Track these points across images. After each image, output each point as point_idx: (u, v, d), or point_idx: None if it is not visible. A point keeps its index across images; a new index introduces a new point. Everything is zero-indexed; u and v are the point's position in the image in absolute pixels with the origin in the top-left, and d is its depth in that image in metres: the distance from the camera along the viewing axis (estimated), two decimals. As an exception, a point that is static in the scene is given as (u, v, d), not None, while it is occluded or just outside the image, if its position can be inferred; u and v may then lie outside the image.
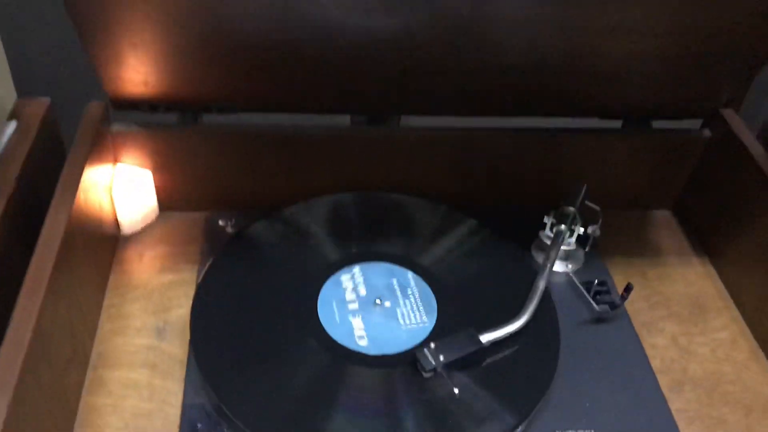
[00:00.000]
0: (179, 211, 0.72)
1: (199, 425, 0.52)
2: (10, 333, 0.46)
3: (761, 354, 0.64)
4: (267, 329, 0.58)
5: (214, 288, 0.60)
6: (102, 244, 0.65)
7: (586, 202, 0.69)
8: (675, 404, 0.59)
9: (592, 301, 0.63)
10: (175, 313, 0.63)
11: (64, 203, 0.55)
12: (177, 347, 0.60)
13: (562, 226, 0.66)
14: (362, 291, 0.61)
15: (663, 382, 0.60)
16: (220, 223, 0.68)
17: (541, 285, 0.61)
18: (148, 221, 0.71)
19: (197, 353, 0.56)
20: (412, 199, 0.70)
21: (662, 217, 0.78)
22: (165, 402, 0.56)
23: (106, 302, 0.63)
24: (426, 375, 0.54)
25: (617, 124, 0.74)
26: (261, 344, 0.57)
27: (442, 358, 0.54)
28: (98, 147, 0.63)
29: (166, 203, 0.71)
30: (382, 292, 0.62)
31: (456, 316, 0.60)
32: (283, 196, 0.69)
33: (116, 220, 0.68)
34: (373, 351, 0.57)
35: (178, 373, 0.58)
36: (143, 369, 0.58)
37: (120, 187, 0.67)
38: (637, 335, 0.63)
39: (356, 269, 0.63)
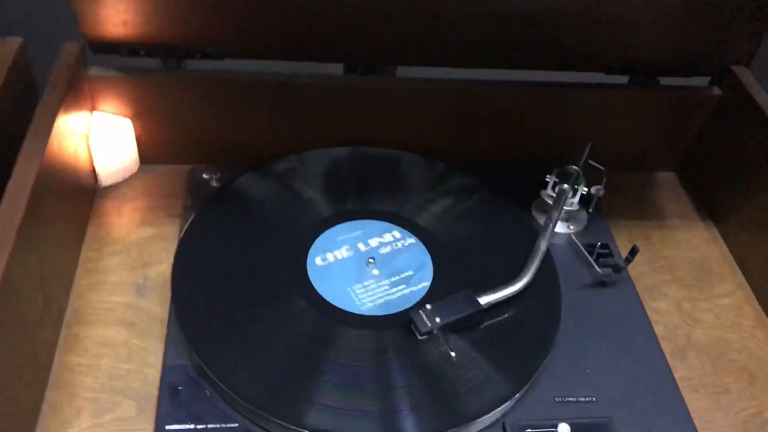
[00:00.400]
0: (161, 164, 0.68)
1: (180, 387, 0.49)
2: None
3: (767, 321, 0.62)
4: (253, 287, 0.55)
5: (197, 243, 0.57)
6: (78, 196, 0.61)
7: (590, 162, 0.65)
8: (678, 372, 0.56)
9: (594, 264, 0.60)
10: (155, 269, 0.59)
11: (35, 150, 0.51)
12: (157, 305, 0.57)
13: (565, 186, 0.63)
14: (354, 250, 0.58)
15: (666, 348, 0.57)
16: (205, 176, 0.65)
17: (543, 246, 0.58)
18: (128, 173, 0.67)
19: (178, 311, 0.52)
20: (408, 155, 0.67)
21: (667, 178, 0.75)
22: (144, 362, 0.53)
23: (82, 256, 0.60)
24: (421, 338, 0.51)
25: (623, 80, 0.71)
26: (246, 303, 0.54)
27: (438, 320, 0.51)
28: (74, 92, 0.59)
29: (147, 155, 0.67)
30: (375, 251, 0.58)
31: (453, 277, 0.57)
32: (271, 150, 0.66)
33: (94, 170, 0.64)
34: (365, 312, 0.54)
35: (158, 332, 0.55)
36: (121, 327, 0.55)
37: (97, 136, 0.63)
38: (640, 300, 0.60)
39: (348, 227, 0.60)
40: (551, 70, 0.68)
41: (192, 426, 0.47)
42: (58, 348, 0.53)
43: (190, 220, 0.59)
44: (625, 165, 0.73)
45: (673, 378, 0.54)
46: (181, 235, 0.58)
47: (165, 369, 0.51)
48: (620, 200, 0.70)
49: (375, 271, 0.57)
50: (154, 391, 0.50)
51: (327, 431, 0.46)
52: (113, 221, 0.63)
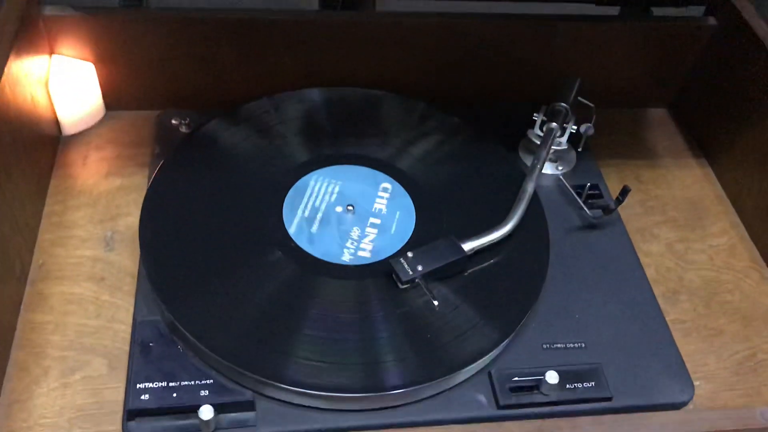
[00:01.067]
0: (128, 110, 0.64)
1: (151, 344, 0.47)
2: None
3: (762, 262, 0.60)
4: (227, 238, 0.52)
5: (166, 193, 0.54)
6: (39, 146, 0.58)
7: (579, 99, 0.62)
8: (670, 315, 0.55)
9: (583, 206, 0.58)
10: (123, 222, 0.56)
11: (-16, 95, 0.47)
12: (126, 259, 0.54)
13: (554, 124, 0.60)
14: (332, 197, 0.55)
15: (658, 291, 0.55)
16: (173, 122, 0.61)
17: (530, 188, 0.55)
18: (93, 121, 0.63)
19: (148, 265, 0.50)
20: (387, 95, 0.63)
21: (658, 115, 0.72)
22: (114, 319, 0.51)
23: (46, 210, 0.57)
24: (402, 286, 0.49)
25: (615, 11, 0.67)
26: (220, 254, 0.51)
27: (420, 267, 0.49)
28: (28, 34, 0.55)
29: (112, 101, 0.64)
30: (354, 197, 0.56)
31: (436, 223, 0.55)
32: (242, 92, 0.62)
33: (56, 118, 0.60)
34: (344, 261, 0.51)
35: (129, 286, 0.52)
36: (89, 283, 0.52)
37: (57, 82, 0.59)
38: (631, 242, 0.58)
39: (325, 173, 0.57)
40: (538, 1, 0.65)
41: (164, 384, 0.45)
42: (23, 306, 0.51)
43: (158, 169, 0.56)
44: (615, 101, 0.70)
45: (664, 321, 0.53)
46: (149, 185, 0.55)
47: (135, 325, 0.48)
48: (610, 139, 0.67)
49: (354, 218, 0.54)
50: (126, 348, 0.48)
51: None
52: (78, 172, 0.60)
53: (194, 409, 0.43)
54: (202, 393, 0.45)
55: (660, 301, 0.54)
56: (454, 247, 0.50)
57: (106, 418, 0.45)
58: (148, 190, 0.54)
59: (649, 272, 0.57)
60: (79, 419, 0.45)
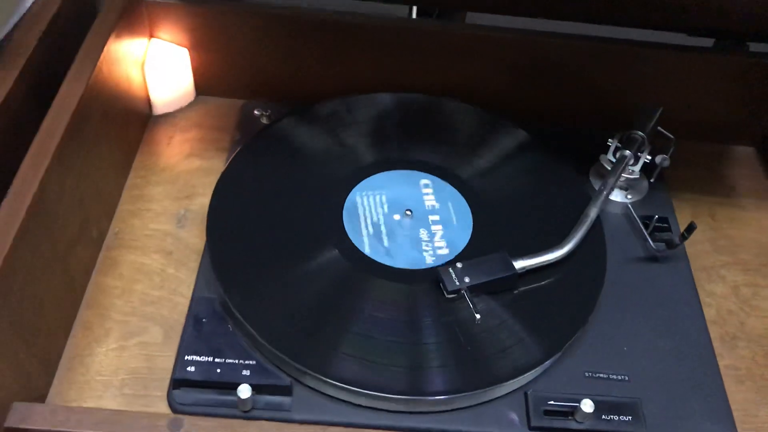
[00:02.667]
0: (216, 97, 0.68)
1: (204, 319, 0.50)
2: (8, 198, 0.43)
3: (834, 317, 0.57)
4: (288, 230, 0.54)
5: (237, 180, 0.57)
6: (130, 122, 0.62)
7: (659, 128, 0.61)
8: (725, 360, 0.53)
9: (648, 237, 0.56)
10: (197, 201, 0.59)
11: (82, 71, 0.51)
12: (195, 237, 0.57)
13: (627, 152, 0.59)
14: (393, 200, 0.57)
15: (715, 333, 0.54)
16: (256, 112, 0.64)
17: (593, 213, 0.55)
18: (183, 104, 0.67)
19: (211, 244, 0.52)
20: (459, 105, 0.64)
21: (745, 153, 0.69)
22: (175, 291, 0.54)
23: (128, 182, 0.60)
24: (448, 296, 0.50)
25: (708, 42, 0.66)
26: (279, 245, 0.53)
27: (467, 279, 0.49)
28: (130, 17, 0.59)
29: (203, 87, 0.67)
30: (414, 202, 0.57)
31: (492, 237, 0.55)
32: (324, 90, 0.64)
33: (148, 98, 0.64)
34: (396, 264, 0.53)
35: (194, 263, 0.55)
36: (158, 255, 0.56)
37: (153, 64, 0.63)
38: (693, 280, 0.56)
39: (389, 176, 0.58)
40: (629, 27, 0.64)
41: (211, 359, 0.47)
42: (96, 269, 0.54)
43: (233, 156, 0.58)
44: (699, 134, 0.68)
45: (716, 365, 0.51)
46: (223, 170, 0.58)
47: (193, 299, 0.51)
48: (688, 172, 0.65)
49: (415, 221, 0.55)
50: (182, 321, 0.51)
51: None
52: (163, 150, 0.63)
53: (234, 386, 0.45)
54: (244, 372, 0.47)
55: (716, 344, 0.53)
56: (505, 264, 0.51)
57: (154, 383, 0.48)
58: (222, 174, 0.57)
59: (709, 313, 0.55)
60: (131, 381, 0.49)
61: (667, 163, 0.59)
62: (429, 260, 0.53)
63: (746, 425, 0.50)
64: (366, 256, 0.53)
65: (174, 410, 0.46)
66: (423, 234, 0.55)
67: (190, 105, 0.67)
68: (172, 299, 0.53)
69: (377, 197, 0.57)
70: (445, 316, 0.50)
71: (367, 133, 0.61)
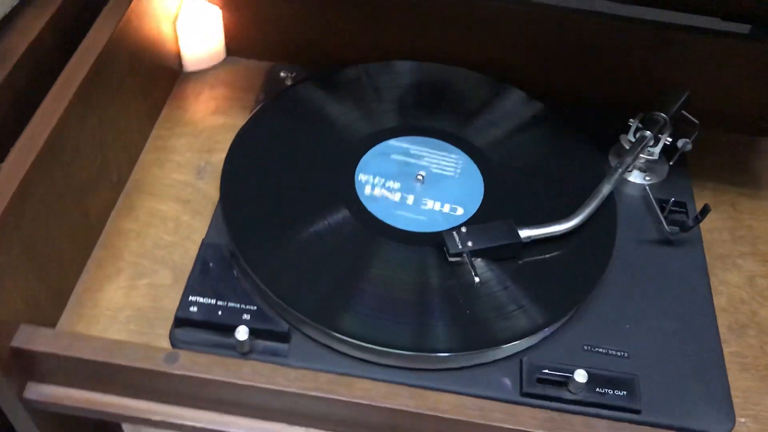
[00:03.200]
0: (245, 58, 0.69)
1: (211, 264, 0.51)
2: (28, 128, 0.45)
3: None
4: (299, 186, 0.55)
5: (255, 136, 0.58)
6: (159, 76, 0.63)
7: (684, 112, 0.60)
8: (732, 347, 0.52)
9: (662, 219, 0.56)
10: (217, 156, 0.61)
11: (110, 20, 0.53)
12: (213, 189, 0.58)
13: (647, 132, 0.58)
14: (406, 164, 0.57)
15: (724, 321, 0.53)
16: (282, 74, 0.65)
17: (605, 189, 0.54)
18: (213, 62, 0.68)
19: (223, 191, 0.54)
20: (478, 75, 0.64)
21: (773, 146, 0.68)
22: (188, 238, 0.55)
23: (153, 133, 0.62)
24: (450, 259, 0.50)
25: (744, 29, 0.64)
26: (290, 199, 0.54)
27: (470, 243, 0.49)
28: (165, -28, 0.60)
29: (233, 47, 0.69)
30: (427, 167, 0.57)
31: (502, 206, 0.55)
32: (352, 55, 0.65)
33: (179, 55, 0.66)
34: (405, 227, 0.53)
35: (208, 213, 0.56)
36: (175, 203, 0.57)
37: (185, 21, 0.64)
38: (705, 265, 0.55)
39: (404, 141, 0.59)
40: (661, 8, 0.63)
41: (213, 301, 0.49)
42: (114, 212, 0.56)
43: (252, 113, 0.60)
44: (726, 124, 0.66)
45: (720, 350, 0.50)
46: (242, 125, 0.59)
47: (202, 245, 0.52)
48: (712, 160, 0.64)
49: (423, 188, 0.56)
50: (189, 264, 0.52)
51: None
52: (189, 105, 0.65)
53: (233, 329, 0.46)
54: (244, 316, 0.48)
55: (723, 330, 0.52)
56: (510, 232, 0.51)
57: (158, 322, 0.50)
58: (240, 129, 0.58)
59: (720, 300, 0.54)
60: (136, 318, 0.50)
61: (689, 147, 0.58)
62: (439, 224, 0.53)
63: (746, 411, 0.49)
64: (375, 217, 0.53)
65: (174, 347, 0.48)
66: (433, 198, 0.55)
67: (220, 64, 0.69)
68: (183, 245, 0.55)
69: (390, 161, 0.57)
70: (448, 279, 0.50)
71: (385, 99, 0.62)
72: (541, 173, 0.58)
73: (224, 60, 0.69)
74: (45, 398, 0.45)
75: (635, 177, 0.60)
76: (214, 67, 0.68)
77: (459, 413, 0.42)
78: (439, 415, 0.42)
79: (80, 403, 0.46)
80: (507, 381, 0.47)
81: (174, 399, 0.45)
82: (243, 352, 0.47)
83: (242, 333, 0.46)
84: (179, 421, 0.45)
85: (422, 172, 0.56)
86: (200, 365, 0.43)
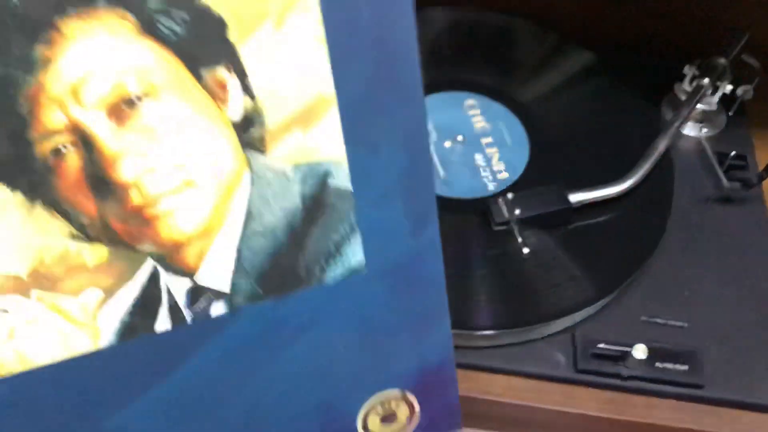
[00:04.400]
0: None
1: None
2: None
3: None
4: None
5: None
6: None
7: (743, 57, 0.55)
8: (800, 315, 0.49)
9: (722, 175, 0.52)
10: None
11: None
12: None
13: (705, 80, 0.54)
14: (444, 124, 0.53)
15: (790, 284, 0.49)
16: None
17: (661, 146, 0.50)
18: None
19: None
20: (520, 22, 0.59)
21: None
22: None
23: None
24: (495, 228, 0.47)
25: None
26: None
27: (517, 211, 0.46)
28: None
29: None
30: (466, 127, 0.53)
31: (549, 167, 0.51)
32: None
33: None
34: (445, 193, 0.50)
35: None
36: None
37: None
38: (770, 224, 0.52)
39: (442, 98, 0.55)
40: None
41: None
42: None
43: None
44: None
45: (787, 318, 0.47)
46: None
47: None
48: (774, 108, 0.59)
49: (464, 149, 0.52)
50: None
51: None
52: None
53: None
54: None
55: (791, 296, 0.49)
56: (559, 197, 0.47)
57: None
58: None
59: (786, 261, 0.51)
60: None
61: (750, 95, 0.54)
62: (490, 186, 0.50)
63: (816, 385, 0.46)
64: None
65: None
66: (479, 159, 0.51)
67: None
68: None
69: (437, 117, 0.54)
70: (492, 249, 0.47)
71: (422, 49, 0.58)
72: (588, 129, 0.54)
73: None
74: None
75: (690, 129, 0.56)
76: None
77: (513, 396, 0.40)
78: (492, 398, 0.40)
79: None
80: (561, 357, 0.45)
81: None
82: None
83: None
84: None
85: (462, 134, 0.52)
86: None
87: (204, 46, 0.27)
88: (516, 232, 0.45)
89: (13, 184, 0.27)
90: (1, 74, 0.25)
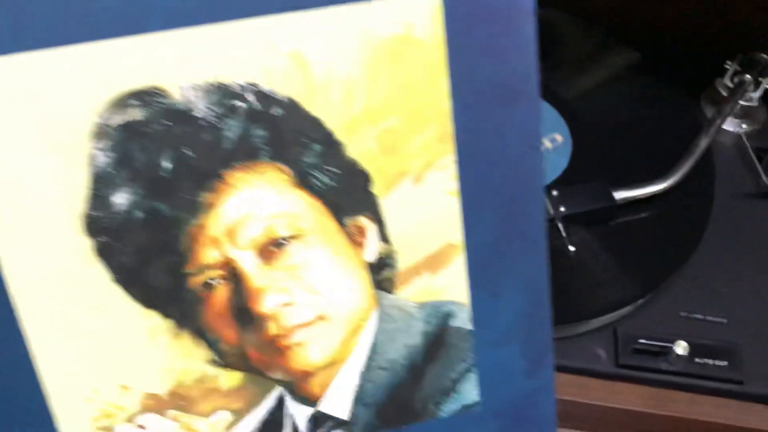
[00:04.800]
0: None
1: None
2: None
3: None
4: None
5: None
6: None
7: (785, 51, 0.55)
8: (838, 311, 0.49)
9: (761, 171, 0.52)
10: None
11: None
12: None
13: (747, 76, 0.54)
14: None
15: (829, 283, 0.50)
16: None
17: (703, 143, 0.51)
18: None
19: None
20: (562, 15, 0.59)
21: None
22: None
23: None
24: (541, 224, 0.48)
25: None
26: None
27: (563, 208, 0.47)
28: None
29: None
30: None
31: (592, 163, 0.52)
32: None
33: None
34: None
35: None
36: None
37: None
38: (810, 221, 0.52)
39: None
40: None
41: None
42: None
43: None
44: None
45: (826, 317, 0.48)
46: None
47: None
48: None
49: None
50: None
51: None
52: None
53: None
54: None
55: (828, 293, 0.49)
56: (604, 194, 0.48)
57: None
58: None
59: (824, 260, 0.51)
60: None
61: (791, 91, 0.54)
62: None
63: None
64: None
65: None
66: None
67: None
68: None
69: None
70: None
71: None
72: (628, 124, 0.54)
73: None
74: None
75: (729, 124, 0.56)
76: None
77: (557, 391, 0.41)
78: (537, 394, 0.41)
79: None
80: (602, 352, 0.46)
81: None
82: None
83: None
84: None
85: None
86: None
87: (349, 197, 0.30)
88: (561, 229, 0.46)
89: (166, 312, 0.30)
90: (168, 215, 0.28)
